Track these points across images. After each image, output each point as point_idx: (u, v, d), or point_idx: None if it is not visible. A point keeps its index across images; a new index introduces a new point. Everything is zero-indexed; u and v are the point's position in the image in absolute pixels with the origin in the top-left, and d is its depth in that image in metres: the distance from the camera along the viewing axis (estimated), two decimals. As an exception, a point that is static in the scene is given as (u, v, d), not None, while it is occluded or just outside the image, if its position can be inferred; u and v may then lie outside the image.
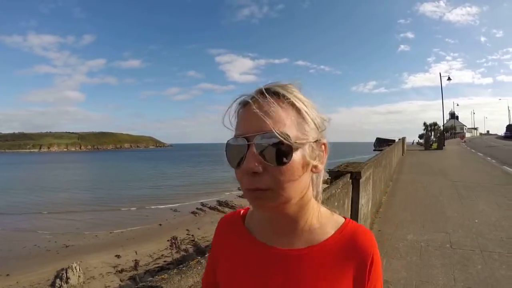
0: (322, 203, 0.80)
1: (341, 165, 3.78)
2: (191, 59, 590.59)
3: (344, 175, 3.35)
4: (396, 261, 4.42)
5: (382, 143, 32.90)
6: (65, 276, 13.20)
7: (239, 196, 32.32)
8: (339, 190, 2.74)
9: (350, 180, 3.44)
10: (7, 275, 14.12)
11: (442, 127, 40.86)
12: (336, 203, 2.65)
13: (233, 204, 27.51)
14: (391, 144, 34.38)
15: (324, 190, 3.07)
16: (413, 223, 6.13)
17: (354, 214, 3.37)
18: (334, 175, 3.41)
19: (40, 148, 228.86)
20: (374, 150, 32.49)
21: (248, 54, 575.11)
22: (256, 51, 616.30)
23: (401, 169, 14.32)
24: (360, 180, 3.49)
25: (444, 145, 29.22)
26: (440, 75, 35.90)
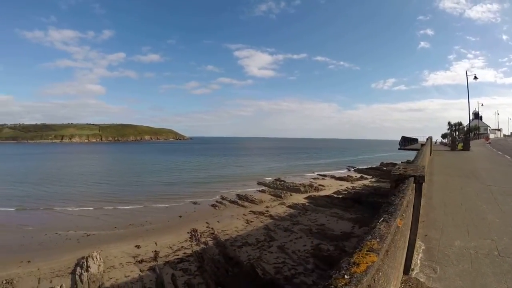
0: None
1: (399, 168, 3.50)
2: (210, 54, 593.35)
3: (407, 179, 3.07)
4: (450, 269, 4.19)
5: (407, 142, 31.98)
6: (85, 264, 13.43)
7: (259, 191, 32.22)
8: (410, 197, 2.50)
9: (414, 185, 3.17)
10: (29, 261, 14.47)
11: (467, 127, 39.47)
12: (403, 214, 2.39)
13: (253, 198, 27.42)
14: (413, 143, 33.81)
15: (395, 195, 2.84)
16: (457, 228, 5.83)
17: (415, 221, 3.10)
18: (396, 178, 3.14)
19: (62, 139, 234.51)
20: (400, 149, 31.62)
21: (267, 49, 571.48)
22: (274, 46, 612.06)
23: (432, 170, 13.79)
24: (423, 185, 3.22)
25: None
26: (466, 73, 34.68)
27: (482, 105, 74.12)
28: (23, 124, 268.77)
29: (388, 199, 2.62)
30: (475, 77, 34.64)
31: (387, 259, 1.57)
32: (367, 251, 1.46)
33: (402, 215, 2.08)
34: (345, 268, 1.31)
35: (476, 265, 4.37)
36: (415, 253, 4.18)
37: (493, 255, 4.71)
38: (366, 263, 1.34)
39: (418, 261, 4.35)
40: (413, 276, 3.89)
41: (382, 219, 1.89)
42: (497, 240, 5.26)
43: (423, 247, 4.85)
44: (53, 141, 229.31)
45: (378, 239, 1.59)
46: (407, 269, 3.69)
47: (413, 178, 3.16)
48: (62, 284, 12.03)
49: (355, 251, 1.48)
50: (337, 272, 1.29)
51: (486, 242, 5.20)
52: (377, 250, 1.47)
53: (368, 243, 1.54)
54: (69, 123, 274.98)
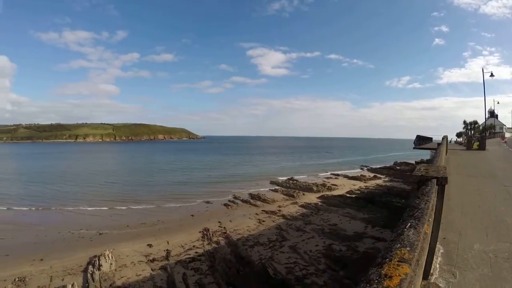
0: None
1: (420, 169, 3.38)
2: (223, 53, 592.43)
3: (430, 181, 2.96)
4: (469, 274, 4.03)
5: (422, 141, 31.43)
6: (97, 263, 13.54)
7: (272, 190, 32.15)
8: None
9: (437, 187, 3.05)
10: (41, 259, 14.69)
11: (483, 126, 38.63)
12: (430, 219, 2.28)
13: (266, 198, 27.39)
14: (428, 142, 33.19)
15: (419, 198, 2.73)
16: (476, 231, 5.65)
17: (436, 225, 2.98)
18: (418, 180, 3.03)
19: (76, 139, 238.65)
20: (415, 148, 31.10)
21: (280, 47, 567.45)
22: (288, 44, 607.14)
23: (448, 170, 13.45)
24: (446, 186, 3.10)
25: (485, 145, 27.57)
26: (483, 71, 33.98)
27: (498, 103, 72.24)
28: (38, 124, 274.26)
29: (409, 200, 2.52)
30: (492, 75, 33.86)
31: (418, 269, 1.48)
32: (398, 261, 1.36)
33: (429, 219, 1.97)
34: (376, 281, 1.22)
35: (496, 269, 4.21)
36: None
37: (514, 259, 4.55)
38: (399, 275, 1.23)
39: (437, 266, 4.21)
40: (432, 281, 3.77)
41: (409, 224, 1.78)
42: (517, 243, 5.09)
43: (441, 251, 4.71)
44: (68, 140, 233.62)
45: (408, 248, 1.47)
46: (426, 274, 3.57)
47: (435, 179, 3.04)
48: (74, 283, 12.13)
49: (385, 261, 1.38)
50: (368, 285, 1.20)
51: (505, 246, 5.01)
52: (409, 260, 1.36)
53: (398, 252, 1.43)
54: (83, 123, 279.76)
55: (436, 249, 4.40)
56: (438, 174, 3.16)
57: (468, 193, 8.78)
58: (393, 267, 1.31)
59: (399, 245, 1.53)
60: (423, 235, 1.71)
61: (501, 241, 5.19)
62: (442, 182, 3.09)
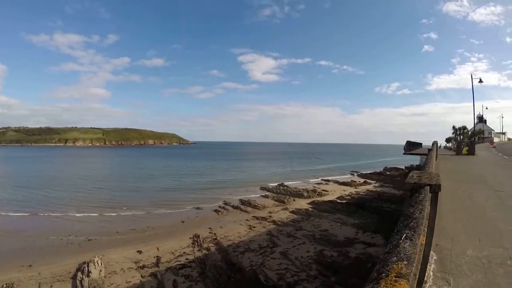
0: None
1: (413, 176, 3.33)
2: (214, 58, 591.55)
3: (423, 188, 2.90)
4: (463, 280, 4.00)
5: (412, 146, 31.76)
6: (86, 269, 13.30)
7: (262, 196, 32.06)
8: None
9: (430, 194, 2.99)
10: (30, 265, 14.40)
11: (472, 131, 39.22)
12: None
13: (256, 204, 27.27)
14: (417, 148, 33.53)
15: (413, 206, 2.66)
16: (468, 237, 5.64)
17: (430, 232, 2.92)
18: (411, 187, 2.97)
19: (65, 143, 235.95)
20: (405, 153, 31.37)
21: (271, 53, 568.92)
22: (278, 50, 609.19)
23: (439, 175, 13.60)
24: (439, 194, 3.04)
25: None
26: (471, 77, 34.48)
27: (486, 108, 73.66)
28: (27, 127, 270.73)
29: (402, 208, 2.45)
30: (480, 81, 34.39)
31: (415, 283, 1.39)
32: (395, 277, 1.27)
33: (424, 229, 1.90)
34: (373, 299, 1.13)
35: (490, 275, 4.19)
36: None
37: (507, 264, 4.51)
38: (397, 293, 1.15)
39: (431, 273, 4.17)
40: (426, 289, 3.71)
41: (404, 235, 1.70)
42: (510, 248, 5.06)
43: (435, 257, 4.67)
44: (57, 144, 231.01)
45: (405, 262, 1.38)
46: (420, 282, 3.50)
47: (429, 187, 2.98)
48: (62, 289, 11.92)
49: (381, 276, 1.29)
50: (364, 304, 1.11)
51: (498, 251, 5.00)
52: (407, 275, 1.27)
53: (394, 266, 1.35)
54: (73, 127, 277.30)
55: (430, 255, 4.36)
56: (431, 181, 3.11)
57: (460, 198, 8.81)
58: (390, 284, 1.23)
59: (395, 258, 1.44)
60: (419, 247, 1.63)
61: (494, 247, 5.18)
62: (435, 190, 3.03)
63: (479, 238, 5.59)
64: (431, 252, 4.63)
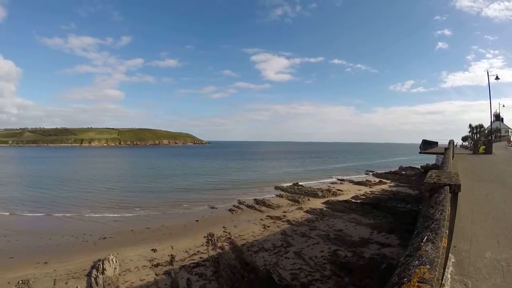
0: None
1: (432, 176, 3.27)
2: (227, 58, 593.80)
3: (442, 188, 2.83)
4: (482, 284, 3.89)
5: (427, 146, 31.16)
6: (101, 267, 13.49)
7: (276, 195, 31.99)
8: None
9: (450, 195, 2.92)
10: (45, 263, 14.69)
11: (489, 130, 38.23)
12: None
13: (270, 203, 27.26)
14: (433, 147, 32.90)
15: (433, 207, 2.61)
16: (487, 239, 5.49)
17: (449, 235, 2.85)
18: (430, 187, 2.91)
19: (81, 143, 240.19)
20: (420, 152, 30.80)
21: (283, 53, 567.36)
22: (291, 50, 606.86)
23: (458, 174, 13.31)
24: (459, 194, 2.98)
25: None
26: (488, 74, 33.52)
27: (503, 106, 71.49)
28: (43, 128, 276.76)
29: (421, 207, 2.41)
30: (497, 77, 33.37)
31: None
32: (418, 281, 1.25)
33: (446, 231, 1.86)
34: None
35: (509, 279, 4.06)
36: (444, 266, 3.92)
37: (526, 268, 4.40)
38: (420, 299, 1.12)
39: (449, 276, 4.08)
40: (444, 292, 3.64)
41: (426, 238, 1.67)
42: (530, 251, 4.94)
43: (452, 260, 4.56)
44: (73, 145, 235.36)
45: (428, 266, 1.35)
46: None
47: (448, 187, 2.91)
48: (77, 286, 12.15)
49: (403, 281, 1.27)
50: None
51: (518, 254, 4.87)
52: (430, 280, 1.24)
53: (417, 270, 1.32)
54: (88, 127, 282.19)
55: (448, 258, 4.28)
56: (451, 181, 3.04)
57: (477, 199, 8.61)
58: (413, 289, 1.20)
59: (417, 262, 1.41)
60: (442, 250, 1.60)
61: (513, 249, 5.05)
62: (455, 190, 2.97)
63: (498, 240, 5.45)
64: (450, 254, 4.54)
